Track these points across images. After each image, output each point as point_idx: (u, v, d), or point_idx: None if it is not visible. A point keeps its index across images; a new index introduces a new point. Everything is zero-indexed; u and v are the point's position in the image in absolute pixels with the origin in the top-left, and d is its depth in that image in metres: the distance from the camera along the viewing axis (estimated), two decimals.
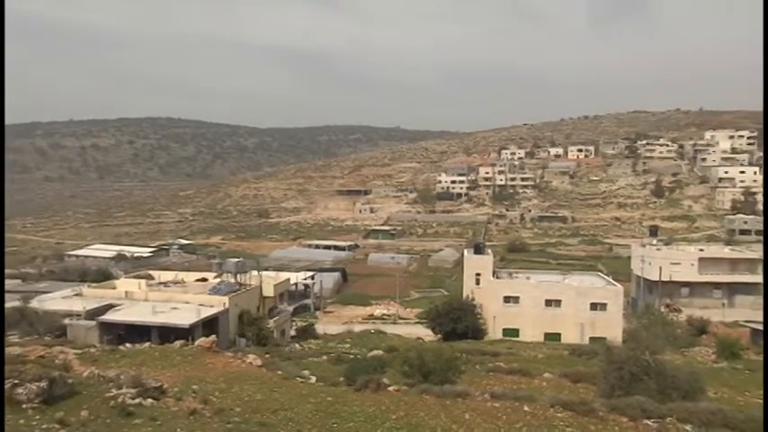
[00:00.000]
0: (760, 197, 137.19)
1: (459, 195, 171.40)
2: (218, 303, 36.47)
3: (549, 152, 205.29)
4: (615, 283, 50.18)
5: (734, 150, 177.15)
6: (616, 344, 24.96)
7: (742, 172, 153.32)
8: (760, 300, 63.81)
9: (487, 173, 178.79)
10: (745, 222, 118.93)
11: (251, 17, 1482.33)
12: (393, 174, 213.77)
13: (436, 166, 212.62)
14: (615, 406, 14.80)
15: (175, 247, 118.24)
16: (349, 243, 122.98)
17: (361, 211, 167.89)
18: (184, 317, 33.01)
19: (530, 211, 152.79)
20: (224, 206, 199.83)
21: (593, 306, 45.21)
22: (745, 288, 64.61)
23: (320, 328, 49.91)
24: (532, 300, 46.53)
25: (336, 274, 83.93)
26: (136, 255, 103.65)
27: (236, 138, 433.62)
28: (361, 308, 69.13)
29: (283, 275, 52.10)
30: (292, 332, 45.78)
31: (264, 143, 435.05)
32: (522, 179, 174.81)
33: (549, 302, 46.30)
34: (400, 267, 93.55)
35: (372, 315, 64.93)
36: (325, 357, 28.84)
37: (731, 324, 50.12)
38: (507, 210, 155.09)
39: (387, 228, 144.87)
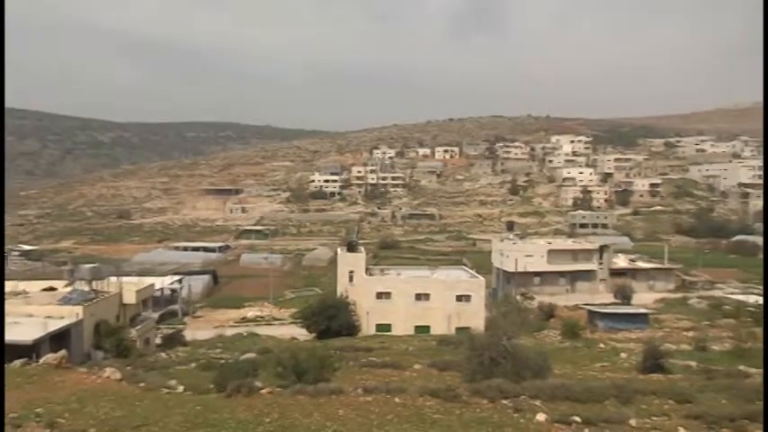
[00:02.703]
0: (595, 195, 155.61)
1: (333, 194, 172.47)
2: (69, 314, 33.05)
3: (417, 152, 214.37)
4: (478, 275, 53.69)
5: (575, 153, 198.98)
6: (478, 332, 26.85)
7: (581, 173, 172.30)
8: (596, 285, 72.67)
9: (360, 172, 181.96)
10: (584, 217, 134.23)
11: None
12: (265, 173, 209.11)
13: (309, 165, 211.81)
14: (477, 389, 15.91)
15: (15, 253, 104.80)
16: (220, 244, 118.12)
17: (232, 211, 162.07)
18: (26, 332, 29.45)
19: (400, 209, 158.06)
20: (76, 207, 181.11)
21: (459, 298, 47.89)
22: (585, 275, 72.91)
23: (189, 334, 47.36)
24: (403, 295, 48.26)
25: (206, 277, 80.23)
26: None
27: (89, 132, 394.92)
28: (233, 310, 66.75)
29: (147, 280, 48.70)
30: (158, 341, 42.97)
31: (123, 138, 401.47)
32: (393, 178, 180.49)
33: (419, 296, 48.28)
34: (274, 267, 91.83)
35: (245, 317, 63.04)
36: (194, 364, 27.55)
37: (573, 308, 56.20)
38: (379, 208, 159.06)
39: (259, 227, 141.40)
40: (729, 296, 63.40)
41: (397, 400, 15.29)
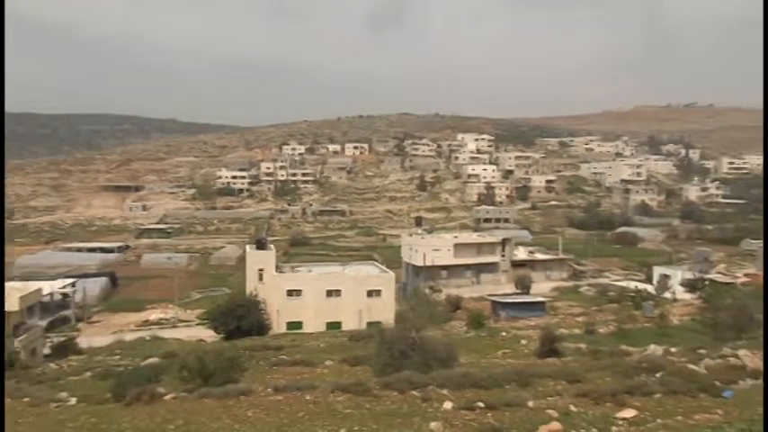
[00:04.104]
0: (498, 191, 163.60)
1: (241, 191, 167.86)
2: None
3: (327, 149, 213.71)
4: (388, 270, 54.70)
5: (479, 151, 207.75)
6: (389, 326, 27.36)
7: (485, 170, 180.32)
8: (499, 276, 76.54)
9: (269, 168, 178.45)
10: (488, 212, 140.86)
11: None
12: (168, 168, 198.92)
13: (216, 160, 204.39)
14: (387, 382, 16.23)
15: None
16: (118, 244, 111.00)
17: (131, 209, 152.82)
18: None
19: (311, 205, 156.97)
20: None
21: (370, 293, 48.56)
22: (489, 267, 76.60)
23: (84, 341, 44.12)
24: (314, 291, 48.12)
25: (103, 280, 75.20)
26: None
27: None
28: (134, 314, 63.16)
29: (33, 285, 44.82)
30: (46, 350, 39.68)
31: (9, 130, 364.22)
32: (303, 174, 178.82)
33: (330, 293, 48.38)
34: (179, 267, 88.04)
35: (148, 321, 59.93)
36: (89, 374, 25.74)
37: (478, 299, 58.90)
38: (289, 205, 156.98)
39: (162, 226, 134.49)
40: (614, 283, 69.48)
41: (308, 397, 15.27)
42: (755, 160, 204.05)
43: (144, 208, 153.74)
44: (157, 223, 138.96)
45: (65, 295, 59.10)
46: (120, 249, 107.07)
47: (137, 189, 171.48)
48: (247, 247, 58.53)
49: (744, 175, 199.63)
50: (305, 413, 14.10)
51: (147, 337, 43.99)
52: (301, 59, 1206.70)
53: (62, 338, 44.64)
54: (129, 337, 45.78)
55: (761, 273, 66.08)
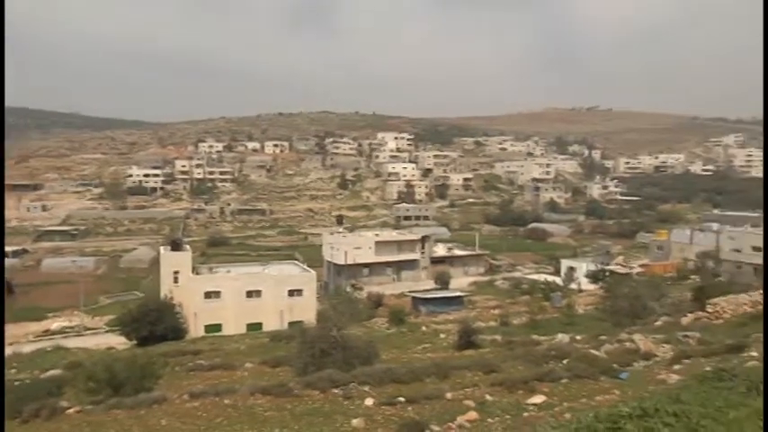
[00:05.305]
0: (418, 189, 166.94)
1: (155, 190, 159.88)
2: None
3: (246, 146, 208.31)
4: (309, 269, 54.37)
5: (398, 150, 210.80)
6: (310, 325, 27.25)
7: (405, 168, 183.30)
8: (419, 273, 78.16)
9: (184, 166, 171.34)
10: (408, 210, 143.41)
11: None
12: (72, 166, 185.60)
13: (126, 158, 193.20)
14: (309, 382, 16.20)
15: None
16: (14, 248, 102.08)
17: (29, 210, 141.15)
18: None
19: (229, 204, 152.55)
20: None
21: (291, 293, 48.01)
22: (409, 264, 78.04)
23: None
24: (233, 293, 46.90)
25: None
26: None
27: None
28: (33, 323, 58.50)
29: None
30: None
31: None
32: (221, 173, 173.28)
33: (250, 293, 47.34)
34: (85, 272, 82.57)
35: (49, 330, 55.78)
36: None
37: (399, 295, 59.90)
38: (206, 204, 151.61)
39: (66, 228, 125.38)
40: (526, 276, 73.17)
41: (226, 401, 14.94)
42: (648, 160, 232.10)
43: (44, 208, 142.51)
44: (60, 225, 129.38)
45: None
46: (16, 254, 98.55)
47: (35, 188, 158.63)
48: (161, 248, 55.95)
49: (638, 174, 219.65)
50: (223, 418, 13.79)
51: (49, 348, 40.92)
52: (219, 54, 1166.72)
53: None
54: (28, 348, 42.36)
55: (654, 264, 72.15)
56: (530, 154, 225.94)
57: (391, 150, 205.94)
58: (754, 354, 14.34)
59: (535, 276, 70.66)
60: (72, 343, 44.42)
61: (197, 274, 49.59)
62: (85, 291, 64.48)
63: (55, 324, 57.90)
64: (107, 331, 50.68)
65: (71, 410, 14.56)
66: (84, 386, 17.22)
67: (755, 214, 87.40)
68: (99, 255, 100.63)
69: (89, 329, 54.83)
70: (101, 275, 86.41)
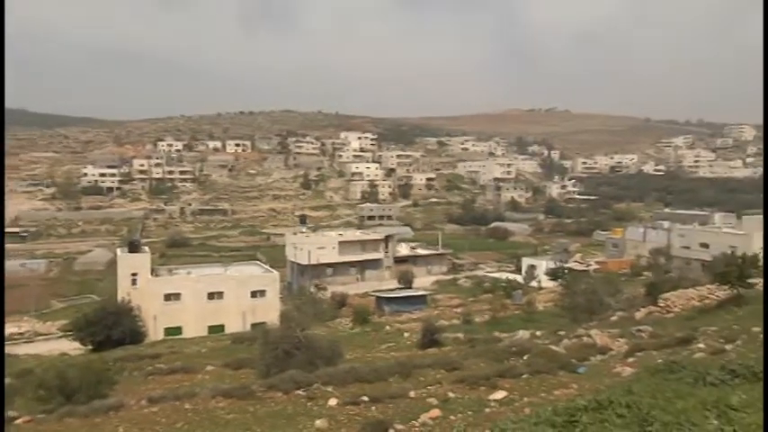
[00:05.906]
0: (381, 188, 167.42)
1: (111, 190, 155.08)
2: None
3: (207, 145, 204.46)
4: (272, 270, 53.78)
5: (362, 149, 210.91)
6: (273, 326, 26.97)
7: (368, 168, 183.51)
8: (383, 272, 78.39)
9: (143, 165, 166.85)
10: (371, 210, 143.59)
11: None
12: (21, 165, 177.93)
13: (80, 157, 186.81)
14: (271, 384, 16.02)
15: None
16: None
17: None
18: None
19: (190, 204, 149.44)
20: None
21: (254, 294, 47.38)
22: (373, 264, 78.20)
23: None
24: (194, 294, 45.99)
25: None
26: None
27: None
28: None
29: None
30: None
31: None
32: (181, 172, 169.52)
33: (211, 295, 46.51)
34: (36, 275, 79.53)
35: None
36: None
37: (363, 295, 59.92)
38: (166, 204, 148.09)
39: (15, 229, 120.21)
40: (488, 274, 74.36)
41: (187, 406, 14.63)
42: (603, 160, 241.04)
43: None
44: (9, 226, 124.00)
45: None
46: None
47: None
48: (118, 249, 54.37)
49: (595, 173, 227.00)
50: (184, 423, 13.52)
51: None
52: (178, 52, 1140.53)
53: None
54: None
55: (609, 260, 74.46)
56: (491, 154, 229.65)
57: (354, 150, 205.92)
58: (701, 346, 15.00)
59: (497, 275, 71.87)
60: (22, 350, 42.66)
61: (156, 275, 48.42)
62: (36, 295, 62.22)
63: None
64: (60, 336, 48.85)
65: (20, 420, 14.00)
66: (34, 394, 16.56)
67: (703, 213, 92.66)
68: (51, 257, 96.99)
69: (40, 335, 52.79)
70: (53, 279, 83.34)
